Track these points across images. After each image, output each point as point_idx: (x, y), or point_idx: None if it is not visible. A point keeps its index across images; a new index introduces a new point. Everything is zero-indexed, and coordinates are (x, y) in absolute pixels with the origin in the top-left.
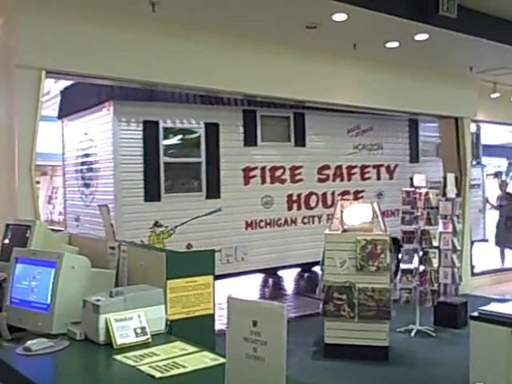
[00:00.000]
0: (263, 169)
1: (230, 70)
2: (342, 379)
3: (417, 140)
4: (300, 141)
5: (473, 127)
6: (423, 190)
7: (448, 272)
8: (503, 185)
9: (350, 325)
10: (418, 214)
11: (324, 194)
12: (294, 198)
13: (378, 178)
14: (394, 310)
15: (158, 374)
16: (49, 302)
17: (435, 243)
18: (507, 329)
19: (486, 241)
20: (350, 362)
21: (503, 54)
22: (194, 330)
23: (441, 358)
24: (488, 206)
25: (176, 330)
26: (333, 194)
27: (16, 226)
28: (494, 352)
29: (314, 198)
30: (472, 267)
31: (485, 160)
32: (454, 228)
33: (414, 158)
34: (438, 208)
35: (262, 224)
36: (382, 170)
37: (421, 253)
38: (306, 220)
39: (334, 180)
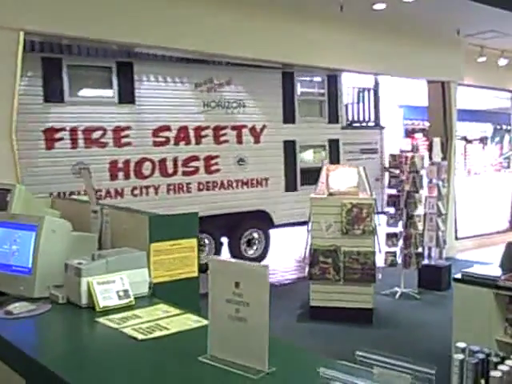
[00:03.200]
0: (74, 130)
1: (217, 32)
2: (326, 340)
3: (293, 96)
4: (127, 96)
5: (370, 81)
6: (409, 154)
7: (433, 235)
8: None
9: (336, 287)
10: (404, 177)
11: (163, 161)
12: (120, 165)
13: (240, 141)
14: (380, 273)
15: (140, 336)
16: (30, 265)
17: (420, 207)
18: (489, 290)
19: (385, 213)
20: (335, 323)
21: (491, 16)
22: (178, 292)
23: (425, 319)
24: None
25: (160, 293)
26: (175, 160)
27: None
28: (477, 313)
29: (148, 165)
30: (456, 231)
31: (470, 125)
32: (439, 192)
33: (290, 117)
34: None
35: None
36: (245, 131)
37: (406, 216)
38: (136, 191)
39: (176, 144)
